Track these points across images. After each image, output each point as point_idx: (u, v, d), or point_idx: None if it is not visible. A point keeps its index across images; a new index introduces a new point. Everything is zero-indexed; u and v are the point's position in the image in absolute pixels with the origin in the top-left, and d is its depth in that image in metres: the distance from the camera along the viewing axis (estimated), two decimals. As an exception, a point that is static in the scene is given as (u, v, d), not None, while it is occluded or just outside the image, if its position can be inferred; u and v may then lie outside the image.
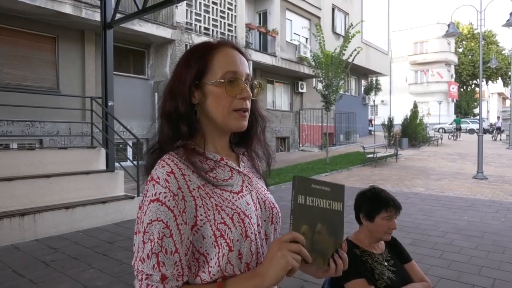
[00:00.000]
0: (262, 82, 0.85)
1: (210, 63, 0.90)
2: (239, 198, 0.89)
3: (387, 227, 1.78)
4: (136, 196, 6.39)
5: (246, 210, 0.88)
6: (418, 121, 19.76)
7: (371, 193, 1.85)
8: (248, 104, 0.93)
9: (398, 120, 20.15)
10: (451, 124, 30.39)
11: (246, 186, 0.94)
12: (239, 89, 0.90)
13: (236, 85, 0.90)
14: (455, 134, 25.57)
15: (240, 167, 0.97)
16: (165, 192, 0.80)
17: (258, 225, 0.92)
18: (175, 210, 0.80)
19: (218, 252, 0.83)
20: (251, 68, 0.96)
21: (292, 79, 17.53)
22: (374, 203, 1.80)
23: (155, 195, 0.81)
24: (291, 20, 17.05)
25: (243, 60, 0.94)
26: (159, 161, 0.86)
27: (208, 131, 0.93)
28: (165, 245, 0.79)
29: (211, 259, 0.84)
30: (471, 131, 30.68)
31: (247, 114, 0.93)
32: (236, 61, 0.92)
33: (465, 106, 43.52)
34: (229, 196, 0.88)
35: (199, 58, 0.91)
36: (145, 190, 0.83)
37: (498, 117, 29.35)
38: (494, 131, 25.50)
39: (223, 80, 0.89)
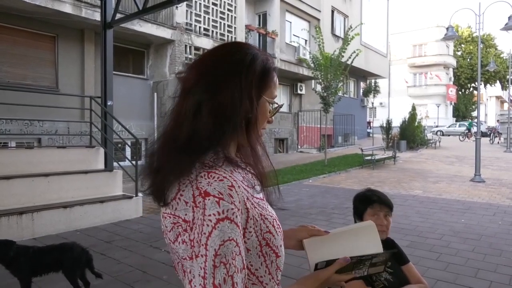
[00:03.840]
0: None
1: (272, 81, 0.91)
2: (267, 204, 0.90)
3: (376, 224, 1.80)
4: (134, 196, 6.39)
5: (275, 214, 0.89)
6: (416, 123, 19.83)
7: (361, 193, 1.91)
8: None
9: (396, 123, 20.19)
10: (459, 126, 30.96)
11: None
12: (272, 114, 0.93)
13: (273, 111, 0.93)
14: (467, 135, 26.53)
15: None
16: (232, 209, 0.74)
17: None
18: (240, 225, 0.76)
19: (265, 261, 0.82)
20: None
21: (291, 81, 17.55)
22: (360, 202, 1.86)
23: (223, 212, 0.73)
24: (290, 22, 17.09)
25: None
26: (210, 173, 0.78)
27: (234, 138, 0.88)
28: (237, 265, 0.74)
29: (256, 270, 0.82)
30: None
31: None
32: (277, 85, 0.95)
33: (463, 109, 43.65)
34: (263, 203, 0.88)
35: (269, 68, 0.90)
36: (202, 208, 0.74)
37: (498, 120, 29.36)
38: (492, 134, 25.58)
39: (276, 103, 0.92)
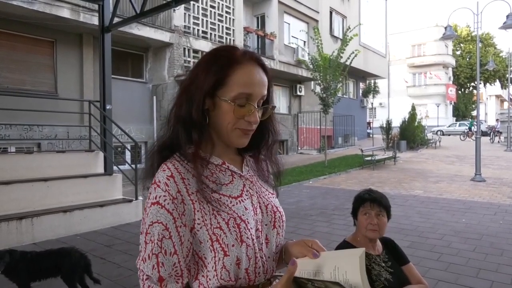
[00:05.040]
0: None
1: (228, 78, 0.88)
2: (237, 203, 0.90)
3: (367, 223, 1.83)
4: (134, 199, 6.38)
5: (243, 215, 0.89)
6: (416, 123, 19.81)
7: (358, 193, 1.95)
8: (254, 125, 0.93)
9: (396, 123, 20.18)
10: (464, 126, 31.07)
11: (247, 191, 0.95)
12: (248, 112, 0.89)
13: (246, 109, 0.89)
14: (467, 134, 26.57)
15: (243, 171, 0.97)
16: (164, 196, 0.84)
17: (257, 229, 0.92)
18: (174, 212, 0.83)
19: (215, 257, 0.85)
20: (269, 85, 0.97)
21: (290, 82, 17.56)
22: (355, 201, 1.92)
23: (155, 198, 0.84)
24: (289, 24, 17.10)
25: (262, 79, 0.92)
26: (162, 164, 0.89)
27: (213, 136, 0.94)
28: (164, 246, 0.83)
29: (208, 263, 0.86)
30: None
31: (251, 133, 0.94)
32: (254, 82, 0.90)
33: (463, 108, 43.65)
34: (226, 200, 0.89)
35: (220, 68, 0.89)
36: (148, 192, 0.87)
37: (498, 120, 29.35)
38: (492, 133, 25.56)
39: (233, 103, 0.88)
